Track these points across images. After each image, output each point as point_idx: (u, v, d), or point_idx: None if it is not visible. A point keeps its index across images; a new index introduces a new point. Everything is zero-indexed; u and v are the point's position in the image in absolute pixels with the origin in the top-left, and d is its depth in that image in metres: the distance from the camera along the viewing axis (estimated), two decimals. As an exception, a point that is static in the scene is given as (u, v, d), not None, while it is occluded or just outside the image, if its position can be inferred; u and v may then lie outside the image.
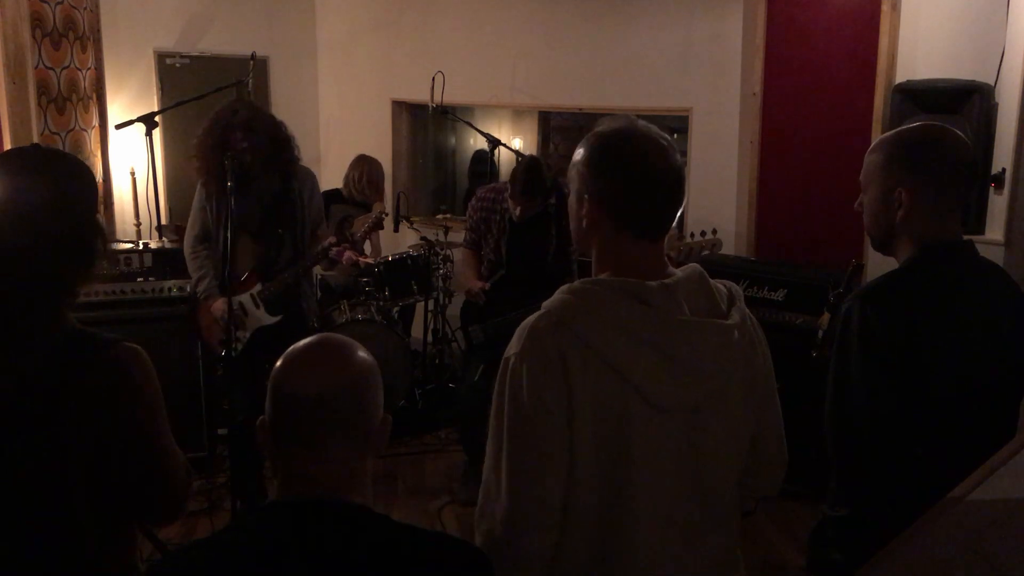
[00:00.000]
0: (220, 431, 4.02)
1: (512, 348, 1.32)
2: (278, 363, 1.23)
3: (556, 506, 1.30)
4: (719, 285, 1.41)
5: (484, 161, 4.87)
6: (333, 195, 4.98)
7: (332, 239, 3.51)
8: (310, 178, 3.51)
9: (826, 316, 2.07)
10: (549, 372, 1.27)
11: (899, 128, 1.69)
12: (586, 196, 1.36)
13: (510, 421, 1.30)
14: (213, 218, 3.37)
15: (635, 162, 1.33)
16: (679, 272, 1.37)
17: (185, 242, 3.49)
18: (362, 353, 1.26)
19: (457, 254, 4.65)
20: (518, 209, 3.59)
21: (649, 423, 1.29)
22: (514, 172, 3.61)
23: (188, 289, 3.82)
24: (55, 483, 1.37)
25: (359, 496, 1.22)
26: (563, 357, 1.26)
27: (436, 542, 1.23)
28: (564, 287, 1.35)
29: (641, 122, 1.38)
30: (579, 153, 1.39)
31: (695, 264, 1.41)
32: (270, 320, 3.41)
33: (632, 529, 1.32)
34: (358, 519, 1.19)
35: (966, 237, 1.66)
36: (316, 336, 1.27)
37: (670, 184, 1.34)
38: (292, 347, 1.25)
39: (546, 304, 1.33)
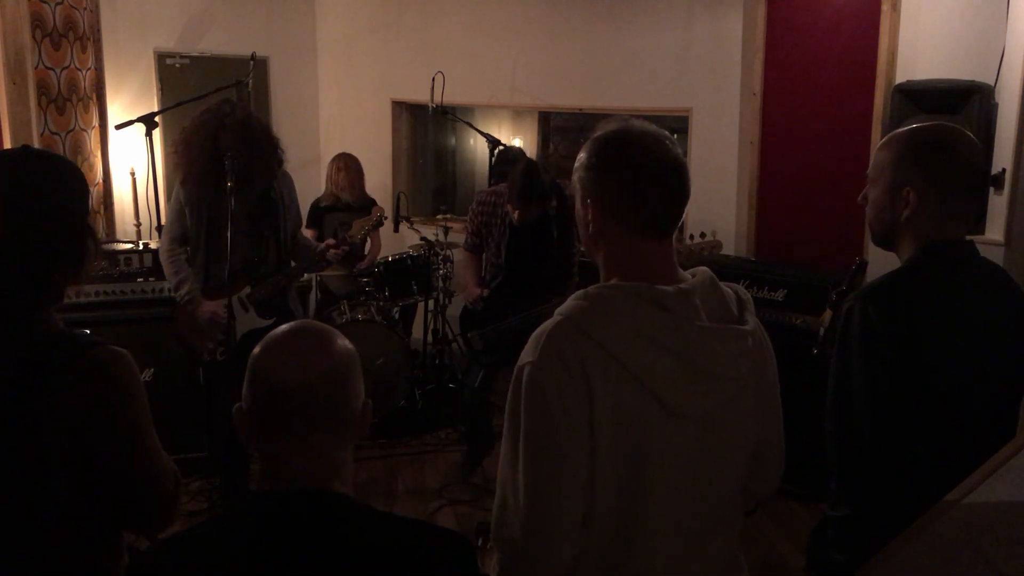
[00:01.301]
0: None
1: (528, 356, 1.28)
2: (258, 351, 1.22)
3: (578, 515, 1.27)
4: (726, 289, 1.40)
5: (508, 162, 4.75)
6: (326, 208, 4.99)
7: (331, 241, 3.52)
8: (288, 180, 3.52)
9: (828, 313, 2.06)
10: (570, 379, 1.23)
11: (913, 126, 1.67)
12: (589, 200, 1.35)
13: (529, 430, 1.26)
14: (194, 220, 3.32)
15: (636, 157, 1.32)
16: (690, 275, 1.36)
17: (161, 244, 3.41)
18: (342, 340, 1.25)
19: (457, 255, 4.64)
20: (516, 214, 3.57)
21: (666, 430, 1.28)
22: (511, 178, 3.58)
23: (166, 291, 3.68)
24: (36, 485, 1.36)
25: (341, 485, 1.22)
26: (584, 363, 1.23)
27: (419, 530, 1.23)
28: (578, 292, 1.32)
29: (637, 121, 1.36)
30: (580, 159, 1.38)
31: (705, 268, 1.39)
32: (264, 323, 3.40)
33: (646, 536, 1.30)
34: (341, 508, 1.19)
35: (966, 237, 1.66)
36: (294, 324, 1.26)
37: (673, 176, 1.32)
38: (271, 335, 1.23)
39: (560, 310, 1.30)
